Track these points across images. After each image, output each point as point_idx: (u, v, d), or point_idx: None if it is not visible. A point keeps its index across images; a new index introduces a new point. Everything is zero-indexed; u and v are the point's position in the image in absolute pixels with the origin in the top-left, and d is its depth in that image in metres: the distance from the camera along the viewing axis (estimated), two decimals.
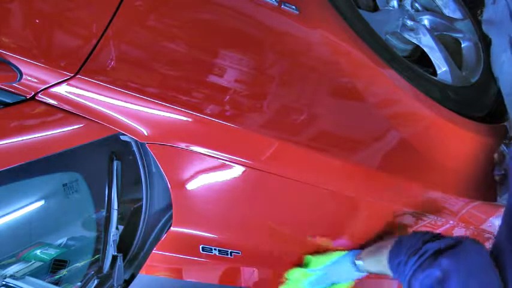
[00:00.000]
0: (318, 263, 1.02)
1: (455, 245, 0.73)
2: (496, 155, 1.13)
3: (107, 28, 0.81)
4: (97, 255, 0.97)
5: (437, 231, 1.13)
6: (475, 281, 0.67)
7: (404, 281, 0.78)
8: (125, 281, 0.97)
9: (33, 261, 0.87)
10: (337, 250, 1.04)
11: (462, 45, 1.35)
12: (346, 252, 1.03)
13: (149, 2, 0.89)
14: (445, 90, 1.12)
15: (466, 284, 0.66)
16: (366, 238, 1.06)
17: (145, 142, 0.87)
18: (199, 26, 0.92)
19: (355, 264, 0.99)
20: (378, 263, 0.92)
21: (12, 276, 0.85)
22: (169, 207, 0.95)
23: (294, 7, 0.99)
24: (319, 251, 1.05)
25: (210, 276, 1.02)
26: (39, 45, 0.77)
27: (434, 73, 1.22)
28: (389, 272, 0.87)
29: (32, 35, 0.78)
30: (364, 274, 0.99)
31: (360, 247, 1.04)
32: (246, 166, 0.91)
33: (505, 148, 1.15)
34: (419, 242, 0.79)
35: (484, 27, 1.27)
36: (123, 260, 0.97)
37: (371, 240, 1.05)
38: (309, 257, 1.04)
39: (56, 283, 0.92)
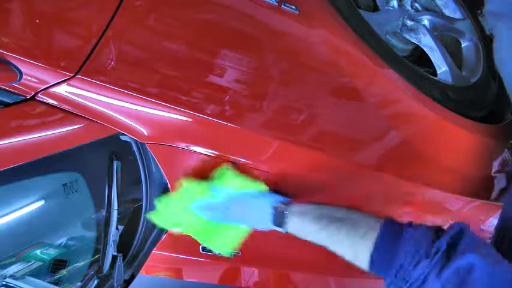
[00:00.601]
0: (228, 183, 0.80)
1: (460, 234, 0.64)
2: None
3: (107, 28, 0.81)
4: (97, 255, 0.97)
5: None
6: (493, 260, 0.60)
7: (409, 287, 0.64)
8: (125, 281, 0.97)
9: (33, 261, 0.87)
10: (261, 182, 0.84)
11: (462, 45, 1.35)
12: (269, 190, 0.83)
13: (149, 2, 0.89)
14: (445, 90, 1.12)
15: (491, 265, 0.61)
16: None
17: (145, 142, 0.87)
18: (199, 26, 0.92)
19: (275, 212, 0.78)
20: (328, 235, 0.73)
21: (12, 276, 0.85)
22: None
23: (294, 7, 0.99)
24: (241, 170, 0.85)
25: (210, 276, 1.02)
26: (39, 45, 0.77)
27: (434, 73, 1.22)
28: (341, 253, 0.71)
29: (32, 35, 0.78)
30: (279, 230, 0.79)
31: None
32: (246, 166, 0.91)
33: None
34: (427, 241, 0.66)
35: (490, 20, 1.24)
36: (123, 260, 0.97)
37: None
38: (224, 169, 0.82)
39: (56, 283, 0.92)
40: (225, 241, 0.84)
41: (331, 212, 0.76)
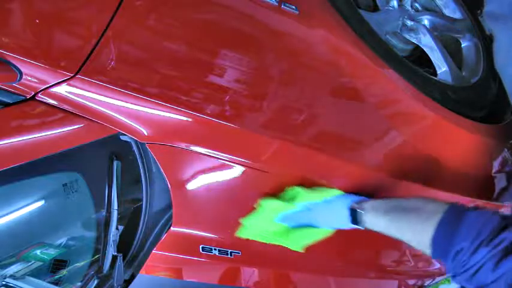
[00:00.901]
0: (306, 198, 0.86)
1: None
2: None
3: (107, 28, 0.81)
4: (97, 255, 0.97)
5: None
6: None
7: (464, 272, 0.63)
8: (125, 281, 0.97)
9: (33, 261, 0.88)
10: (333, 188, 0.90)
11: (462, 45, 1.35)
12: (343, 193, 0.88)
13: (149, 2, 0.89)
14: (445, 90, 1.12)
15: None
16: None
17: (145, 142, 0.87)
18: (199, 26, 0.92)
19: (352, 212, 0.82)
20: (396, 226, 0.74)
21: (12, 276, 0.85)
22: (169, 207, 0.95)
23: (294, 7, 0.99)
24: (311, 185, 0.91)
25: (210, 276, 1.02)
26: (39, 45, 0.77)
27: (434, 73, 1.22)
28: (407, 241, 0.71)
29: (32, 35, 0.78)
30: (358, 228, 0.83)
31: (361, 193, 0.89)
32: (246, 166, 0.91)
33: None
34: (491, 229, 0.62)
35: (489, 21, 1.23)
36: (123, 260, 0.97)
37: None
38: (297, 189, 0.88)
39: (56, 283, 0.92)
40: (302, 239, 0.90)
41: (398, 203, 0.77)
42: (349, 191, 0.91)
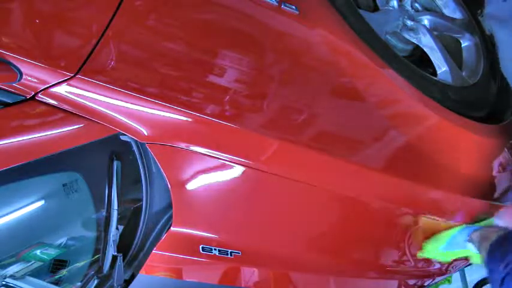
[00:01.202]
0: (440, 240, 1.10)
1: None
2: None
3: (107, 28, 0.81)
4: (97, 255, 0.97)
5: None
6: None
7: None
8: (125, 281, 0.97)
9: (33, 261, 0.88)
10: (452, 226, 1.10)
11: (462, 45, 1.35)
12: (462, 226, 1.09)
13: (149, 2, 0.89)
14: (445, 90, 1.12)
15: None
16: (363, 240, 1.06)
17: (145, 142, 0.87)
18: (199, 26, 0.92)
19: (469, 240, 1.03)
20: (480, 248, 0.95)
21: (12, 276, 0.85)
22: (169, 207, 0.95)
23: (294, 7, 0.99)
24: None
25: (210, 276, 1.02)
26: (39, 45, 0.77)
27: (434, 73, 1.22)
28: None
29: (32, 35, 0.78)
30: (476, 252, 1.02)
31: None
32: (246, 166, 0.91)
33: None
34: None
35: (491, 24, 1.24)
36: (123, 260, 0.97)
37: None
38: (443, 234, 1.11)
39: (56, 283, 0.92)
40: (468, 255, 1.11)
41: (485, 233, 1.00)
42: None
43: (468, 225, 1.10)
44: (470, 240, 1.02)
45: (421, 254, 1.14)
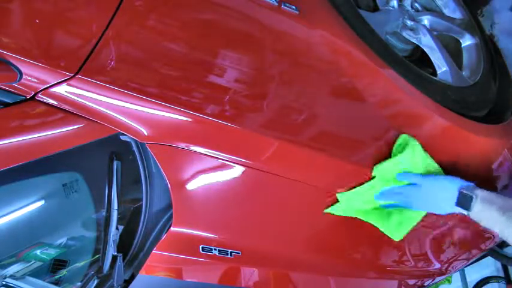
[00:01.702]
0: (419, 166, 0.86)
1: None
2: None
3: (107, 28, 0.81)
4: (97, 255, 0.97)
5: (438, 231, 1.13)
6: None
7: None
8: (125, 281, 0.98)
9: (33, 261, 0.88)
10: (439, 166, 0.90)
11: (462, 45, 1.35)
12: (454, 177, 0.86)
13: (149, 2, 0.89)
14: (445, 90, 1.12)
15: None
16: (364, 243, 1.06)
17: (145, 142, 0.87)
18: (199, 26, 0.92)
19: (461, 196, 0.81)
20: (505, 226, 0.75)
21: (12, 276, 0.85)
22: (169, 207, 0.95)
23: (294, 7, 0.99)
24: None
25: (210, 276, 1.02)
26: (39, 45, 0.77)
27: (434, 73, 1.22)
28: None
29: (32, 35, 0.78)
30: (461, 213, 0.82)
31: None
32: (246, 166, 0.91)
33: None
34: None
35: (499, 35, 1.22)
36: (123, 260, 0.97)
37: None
38: (416, 145, 0.87)
39: (56, 283, 0.92)
40: (401, 227, 0.91)
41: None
42: None
43: (455, 177, 0.84)
44: (476, 195, 0.78)
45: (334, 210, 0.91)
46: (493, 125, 1.16)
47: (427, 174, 0.89)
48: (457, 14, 1.40)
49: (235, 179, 0.92)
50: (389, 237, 1.01)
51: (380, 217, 0.91)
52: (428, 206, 0.87)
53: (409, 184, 0.88)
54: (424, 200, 0.86)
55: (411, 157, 0.87)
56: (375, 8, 1.31)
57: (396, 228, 0.91)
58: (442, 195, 0.83)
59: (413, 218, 0.91)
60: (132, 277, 0.97)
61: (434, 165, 0.90)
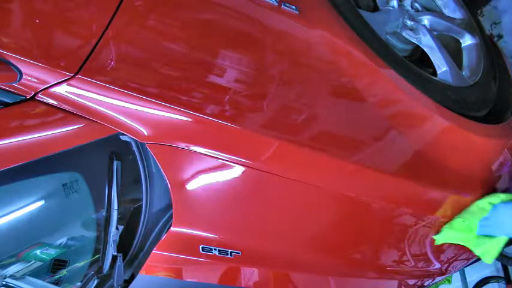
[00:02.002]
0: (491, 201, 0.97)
1: None
2: None
3: (107, 28, 0.81)
4: (97, 255, 0.97)
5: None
6: None
7: None
8: (125, 281, 0.98)
9: (33, 261, 0.88)
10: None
11: (462, 45, 1.35)
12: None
13: (149, 2, 0.89)
14: (445, 90, 1.12)
15: None
16: (363, 241, 1.06)
17: (145, 142, 0.87)
18: (199, 26, 0.92)
19: None
20: None
21: (12, 276, 0.85)
22: (169, 207, 0.95)
23: (294, 7, 0.99)
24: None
25: (210, 276, 1.02)
26: (39, 45, 0.77)
27: (434, 73, 1.22)
28: None
29: (32, 35, 0.78)
30: None
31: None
32: (246, 166, 0.91)
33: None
34: None
35: (506, 35, 1.24)
36: (123, 260, 0.97)
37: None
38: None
39: (56, 283, 0.92)
40: (491, 251, 1.02)
41: None
42: None
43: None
44: None
45: (440, 238, 1.01)
46: (493, 125, 1.16)
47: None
48: (457, 14, 1.40)
49: (235, 179, 0.92)
50: (389, 238, 1.02)
51: (477, 243, 1.04)
52: (506, 231, 0.98)
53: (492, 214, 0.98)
54: (504, 227, 0.96)
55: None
56: (375, 8, 1.31)
57: (488, 252, 1.03)
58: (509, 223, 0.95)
59: (500, 241, 1.02)
60: (132, 277, 0.97)
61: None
